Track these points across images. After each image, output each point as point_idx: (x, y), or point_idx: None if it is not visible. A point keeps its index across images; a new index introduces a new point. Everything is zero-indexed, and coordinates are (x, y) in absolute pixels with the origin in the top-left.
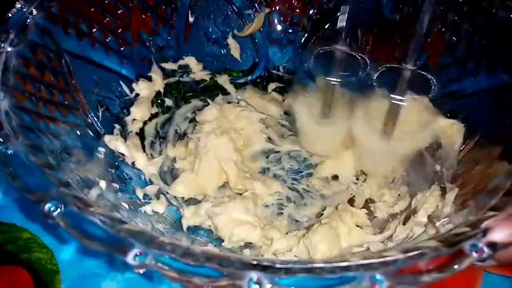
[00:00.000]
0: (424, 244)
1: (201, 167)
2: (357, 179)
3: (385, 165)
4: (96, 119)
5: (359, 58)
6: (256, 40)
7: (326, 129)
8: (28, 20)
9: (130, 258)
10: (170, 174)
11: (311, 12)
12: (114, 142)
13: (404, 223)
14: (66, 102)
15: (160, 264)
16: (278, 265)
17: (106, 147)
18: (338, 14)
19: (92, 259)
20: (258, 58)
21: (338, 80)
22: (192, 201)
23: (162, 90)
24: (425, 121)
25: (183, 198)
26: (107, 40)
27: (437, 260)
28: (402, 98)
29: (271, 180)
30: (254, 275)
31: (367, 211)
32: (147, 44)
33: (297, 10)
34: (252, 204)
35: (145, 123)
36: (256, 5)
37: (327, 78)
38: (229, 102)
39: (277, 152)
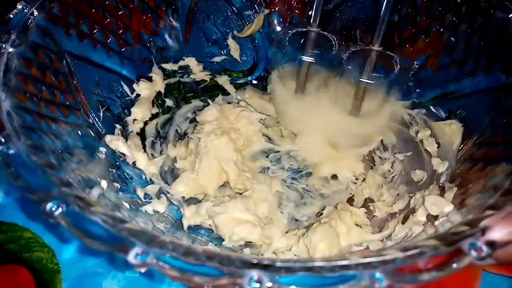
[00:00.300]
0: (423, 243)
1: (201, 167)
2: (356, 178)
3: (354, 140)
4: (97, 119)
5: (331, 39)
6: (256, 41)
7: (301, 105)
8: (29, 21)
9: (131, 257)
10: (170, 174)
11: (310, 13)
12: (115, 142)
13: (403, 222)
14: (67, 103)
15: (161, 263)
16: (278, 264)
17: (107, 147)
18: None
19: (92, 258)
20: (257, 59)
21: (311, 58)
22: (192, 201)
23: (162, 91)
24: (383, 103)
25: (183, 197)
26: (108, 41)
27: (436, 259)
28: (368, 79)
29: (271, 179)
30: (255, 273)
31: (366, 210)
32: (148, 45)
33: (297, 11)
34: (252, 204)
35: (145, 123)
36: (255, 6)
37: (301, 56)
38: (229, 103)
39: (277, 152)
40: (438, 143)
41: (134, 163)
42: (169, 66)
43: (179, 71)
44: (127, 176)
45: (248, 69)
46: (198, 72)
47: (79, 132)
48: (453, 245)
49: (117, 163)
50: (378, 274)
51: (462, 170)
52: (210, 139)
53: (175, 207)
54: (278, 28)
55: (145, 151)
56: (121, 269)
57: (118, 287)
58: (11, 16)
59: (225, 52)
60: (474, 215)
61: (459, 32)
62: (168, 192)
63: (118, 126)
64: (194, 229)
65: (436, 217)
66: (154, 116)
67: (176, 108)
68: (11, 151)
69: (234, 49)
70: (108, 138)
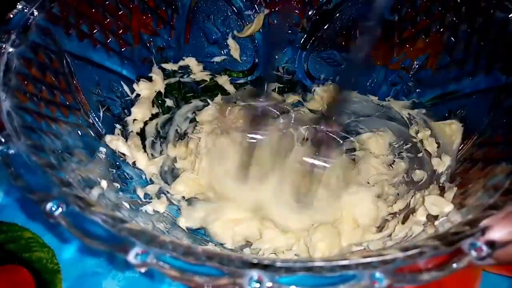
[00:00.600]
0: (423, 243)
1: (201, 167)
2: None
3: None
4: (97, 119)
5: (279, 115)
6: (256, 41)
7: (241, 190)
8: (30, 21)
9: (131, 257)
10: (170, 174)
11: (310, 13)
12: (115, 142)
13: (403, 222)
14: (67, 103)
15: (161, 263)
16: (278, 264)
17: (107, 147)
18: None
19: (92, 258)
20: (257, 59)
21: (258, 137)
22: (192, 201)
23: (162, 91)
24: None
25: (183, 197)
26: (108, 41)
27: (436, 258)
28: (319, 161)
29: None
30: (255, 273)
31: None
32: (148, 45)
33: (296, 11)
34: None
35: (145, 123)
36: (255, 6)
37: (246, 134)
38: (229, 102)
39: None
40: (438, 143)
41: (134, 163)
42: (169, 66)
43: (179, 71)
44: (127, 176)
45: (248, 69)
46: (198, 72)
47: (79, 132)
48: (453, 245)
49: (117, 163)
50: (378, 274)
51: (462, 170)
52: (210, 139)
53: (175, 207)
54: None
55: (145, 151)
56: (121, 269)
57: (118, 287)
58: (11, 16)
59: (225, 52)
60: (474, 215)
61: (459, 32)
62: (168, 192)
63: (118, 126)
64: (194, 229)
65: (436, 217)
66: (154, 116)
67: (176, 108)
68: (11, 151)
69: (234, 49)
70: (108, 138)
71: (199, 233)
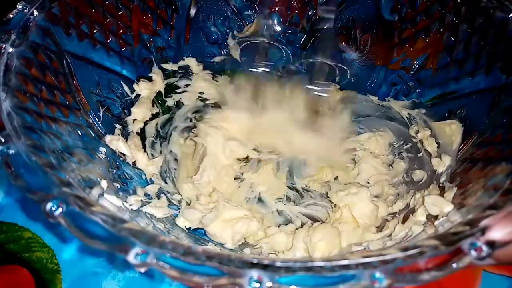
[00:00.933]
0: (423, 242)
1: (201, 167)
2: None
3: (315, 154)
4: (97, 119)
5: (282, 49)
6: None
7: (256, 121)
8: (29, 21)
9: (131, 257)
10: (171, 174)
11: (310, 13)
12: (115, 142)
13: (403, 222)
14: (67, 103)
15: (161, 263)
16: (278, 264)
17: (107, 147)
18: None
19: (92, 258)
20: None
21: (264, 69)
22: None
23: (162, 91)
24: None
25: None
26: (108, 41)
27: (436, 258)
28: (318, 88)
29: None
30: (255, 273)
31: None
32: (148, 45)
33: (296, 11)
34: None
35: (145, 123)
36: (255, 6)
37: (252, 68)
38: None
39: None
40: (438, 143)
41: (134, 163)
42: (169, 66)
43: (179, 71)
44: (127, 176)
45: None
46: (198, 72)
47: (79, 132)
48: (453, 245)
49: (117, 163)
50: (378, 274)
51: (462, 170)
52: (210, 139)
53: (175, 207)
54: (278, 28)
55: (145, 151)
56: (121, 269)
57: (118, 287)
58: (11, 16)
59: (225, 52)
60: (474, 215)
61: (459, 32)
62: (168, 192)
63: (118, 126)
64: (194, 229)
65: (436, 217)
66: (154, 116)
67: (176, 108)
68: (11, 151)
69: (234, 49)
70: (108, 138)
71: (199, 233)
